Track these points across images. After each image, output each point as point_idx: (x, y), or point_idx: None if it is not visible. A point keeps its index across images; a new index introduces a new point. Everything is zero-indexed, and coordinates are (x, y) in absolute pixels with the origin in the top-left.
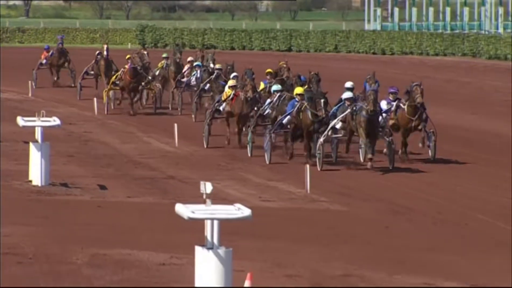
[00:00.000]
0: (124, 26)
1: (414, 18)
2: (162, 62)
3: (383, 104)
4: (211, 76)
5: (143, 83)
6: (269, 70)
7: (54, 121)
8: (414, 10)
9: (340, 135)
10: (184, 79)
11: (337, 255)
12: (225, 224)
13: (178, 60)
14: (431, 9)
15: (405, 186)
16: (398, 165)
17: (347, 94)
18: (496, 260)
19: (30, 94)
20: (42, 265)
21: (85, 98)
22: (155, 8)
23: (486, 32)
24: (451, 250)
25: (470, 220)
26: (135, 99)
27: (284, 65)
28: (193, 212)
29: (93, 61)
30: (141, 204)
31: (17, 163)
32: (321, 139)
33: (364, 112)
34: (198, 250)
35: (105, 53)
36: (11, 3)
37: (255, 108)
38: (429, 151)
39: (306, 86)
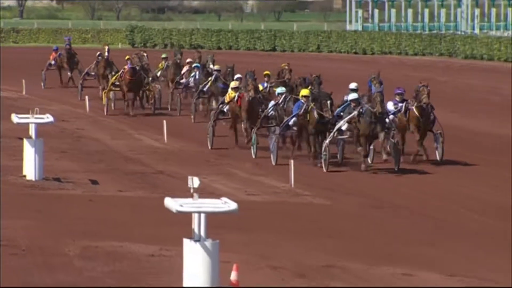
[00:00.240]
0: (114, 27)
1: (393, 19)
2: (162, 63)
3: (390, 106)
4: (210, 78)
5: (142, 84)
6: (266, 72)
7: (48, 118)
8: (394, 11)
9: (346, 136)
10: (183, 80)
11: (319, 248)
12: (212, 217)
13: (178, 62)
14: (409, 11)
15: (390, 182)
16: (404, 167)
17: (352, 96)
18: (473, 252)
19: (24, 92)
20: (36, 256)
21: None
22: (144, 10)
23: (462, 33)
24: (430, 242)
25: (451, 214)
26: (135, 100)
27: (286, 67)
28: (181, 206)
29: (94, 62)
30: (132, 198)
31: (12, 159)
32: (327, 141)
33: (367, 117)
34: (186, 242)
35: (106, 54)
36: (5, 4)
37: (259, 110)
38: (436, 153)
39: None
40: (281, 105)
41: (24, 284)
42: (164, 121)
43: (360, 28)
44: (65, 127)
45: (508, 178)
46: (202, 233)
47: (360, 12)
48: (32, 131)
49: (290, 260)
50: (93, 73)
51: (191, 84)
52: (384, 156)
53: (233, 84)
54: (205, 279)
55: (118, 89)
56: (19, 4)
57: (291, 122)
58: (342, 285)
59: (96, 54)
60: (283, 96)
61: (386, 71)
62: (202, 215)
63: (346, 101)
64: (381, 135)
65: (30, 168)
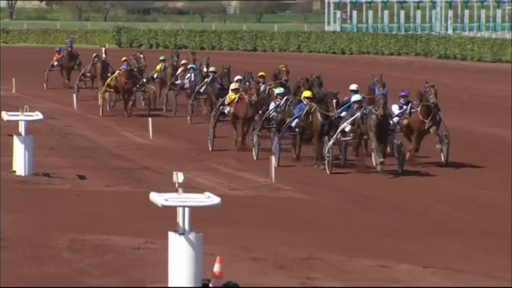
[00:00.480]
0: (102, 27)
1: (370, 20)
2: (160, 65)
3: (395, 109)
4: (206, 79)
5: (137, 85)
6: (261, 73)
7: (37, 115)
8: (371, 13)
9: (349, 138)
10: (178, 82)
11: (299, 240)
12: (196, 211)
13: (175, 64)
14: (386, 12)
15: (371, 179)
16: (407, 168)
17: (355, 97)
18: (447, 245)
19: (14, 91)
20: (26, 249)
21: (83, 99)
22: (130, 11)
23: (437, 33)
24: (407, 236)
25: (427, 209)
26: (130, 101)
27: (283, 68)
28: (166, 200)
29: (91, 63)
30: (118, 193)
31: (2, 155)
32: (330, 142)
33: (374, 116)
34: (171, 235)
35: (103, 55)
36: None
37: (260, 111)
38: (441, 155)
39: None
40: (283, 107)
41: (15, 276)
42: (150, 119)
43: (338, 29)
44: (53, 125)
45: (487, 174)
46: (186, 227)
47: (338, 13)
48: (22, 128)
49: (270, 252)
50: (89, 74)
51: (186, 85)
52: (380, 160)
53: (233, 85)
54: (189, 271)
55: (113, 90)
56: (9, 6)
57: (293, 124)
58: (322, 276)
59: (92, 55)
60: (285, 98)
61: (363, 71)
62: (186, 209)
63: (346, 102)
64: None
65: (20, 164)
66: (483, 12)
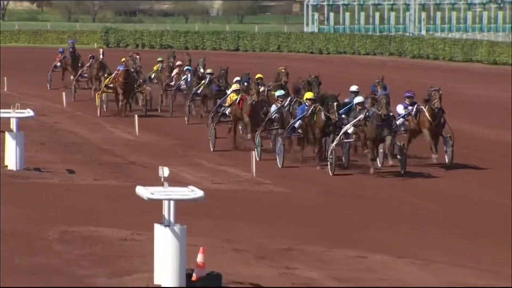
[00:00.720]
0: (90, 28)
1: (347, 22)
2: (158, 65)
3: (400, 109)
4: (204, 81)
5: (134, 86)
6: (259, 75)
7: (28, 112)
8: (348, 14)
9: (352, 139)
10: (173, 83)
11: (280, 232)
12: (180, 204)
13: (171, 65)
14: (362, 14)
15: (356, 176)
16: (410, 169)
17: (358, 99)
18: (421, 236)
19: (5, 89)
20: (18, 241)
21: (80, 99)
22: (118, 12)
23: (410, 34)
24: (383, 227)
25: (404, 203)
26: (127, 101)
27: (283, 70)
28: (152, 194)
29: (88, 64)
30: (106, 187)
31: None
32: (333, 144)
33: (375, 120)
34: (157, 227)
35: (101, 56)
36: None
37: (261, 113)
38: (446, 156)
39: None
40: (286, 108)
41: (8, 268)
42: (136, 116)
43: (316, 30)
44: (44, 121)
45: (464, 169)
46: (171, 219)
47: (316, 15)
48: (13, 125)
49: (252, 244)
50: (85, 75)
51: (183, 86)
52: (390, 162)
53: (234, 87)
54: (174, 261)
55: (111, 91)
56: (1, 7)
57: (296, 125)
58: (301, 266)
59: (83, 54)
60: (289, 99)
61: (340, 70)
62: (171, 202)
63: (347, 103)
64: (388, 139)
65: (11, 159)
66: (454, 14)
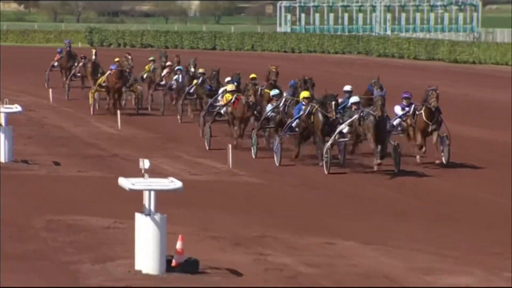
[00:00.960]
0: (75, 28)
1: (317, 22)
2: (150, 65)
3: (398, 110)
4: (195, 80)
5: (126, 85)
6: (253, 75)
7: (16, 108)
8: (318, 15)
9: (347, 139)
10: (163, 82)
11: (254, 220)
12: (160, 195)
13: (163, 64)
14: (331, 15)
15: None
16: (403, 168)
17: (354, 99)
18: (390, 225)
19: None
20: (8, 229)
21: (73, 98)
22: (101, 13)
23: (377, 34)
24: (354, 217)
25: (380, 197)
26: (118, 99)
27: (273, 69)
28: (133, 184)
29: (81, 63)
30: (90, 178)
31: None
32: (328, 143)
33: (372, 118)
34: (138, 216)
35: (93, 57)
36: None
37: (255, 112)
38: (442, 156)
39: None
40: (281, 108)
41: None
42: (118, 111)
43: (288, 30)
44: (32, 116)
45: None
46: (152, 208)
47: (288, 16)
48: (2, 120)
49: (228, 231)
50: (79, 74)
51: (174, 86)
52: (378, 160)
53: (230, 87)
54: (154, 248)
55: (103, 89)
56: None
57: (294, 124)
58: (274, 252)
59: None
60: (284, 98)
61: (310, 67)
62: (152, 193)
63: (340, 103)
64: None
65: (0, 152)
66: (418, 15)
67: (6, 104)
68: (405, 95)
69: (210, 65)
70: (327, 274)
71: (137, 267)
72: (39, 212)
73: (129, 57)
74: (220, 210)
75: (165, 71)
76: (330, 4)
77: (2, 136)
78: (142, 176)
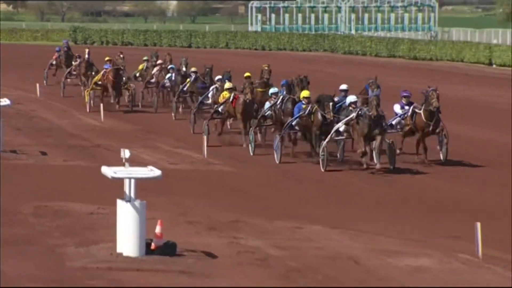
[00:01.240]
0: (60, 27)
1: (287, 22)
2: (143, 64)
3: (397, 108)
4: (188, 79)
5: (121, 83)
6: (247, 74)
7: (5, 101)
8: (287, 15)
9: (343, 137)
10: (153, 80)
11: (228, 206)
12: (140, 182)
13: (154, 63)
14: (299, 15)
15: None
16: (398, 166)
17: (351, 98)
18: (356, 212)
19: None
20: None
21: (68, 95)
22: (85, 13)
23: (342, 33)
24: (322, 204)
25: (352, 187)
26: (117, 96)
27: (266, 68)
28: (115, 173)
29: (77, 62)
30: (75, 167)
31: None
32: (325, 141)
33: (366, 119)
34: (119, 202)
35: (86, 56)
36: None
37: (253, 110)
38: (440, 154)
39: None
40: (278, 106)
41: None
42: (101, 104)
43: (259, 29)
44: (20, 109)
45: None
46: (132, 195)
47: (259, 16)
48: None
49: (203, 217)
50: (74, 73)
51: (167, 84)
52: (378, 166)
53: (227, 85)
54: (135, 232)
55: (99, 88)
56: None
57: (294, 123)
58: (246, 236)
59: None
60: (281, 96)
61: (280, 63)
62: (132, 180)
63: (337, 102)
64: (378, 139)
65: None
66: (379, 16)
67: None
68: (405, 94)
69: (191, 63)
70: (295, 256)
71: (119, 250)
72: (27, 199)
73: (121, 55)
74: (196, 196)
75: (155, 69)
76: (299, 5)
77: None
78: (123, 165)
